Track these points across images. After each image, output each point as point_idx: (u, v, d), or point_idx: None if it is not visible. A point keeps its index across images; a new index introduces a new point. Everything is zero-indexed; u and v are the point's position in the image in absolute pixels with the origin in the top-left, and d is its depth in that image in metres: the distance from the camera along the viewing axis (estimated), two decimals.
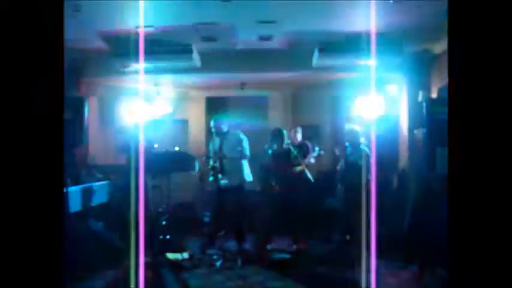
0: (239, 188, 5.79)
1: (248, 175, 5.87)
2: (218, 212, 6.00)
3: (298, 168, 5.89)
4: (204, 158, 6.05)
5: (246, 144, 5.83)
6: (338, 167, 6.05)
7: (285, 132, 6.07)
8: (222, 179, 5.76)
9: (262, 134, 8.25)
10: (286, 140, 5.97)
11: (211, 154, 5.91)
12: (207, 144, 6.00)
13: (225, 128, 5.87)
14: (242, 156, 5.78)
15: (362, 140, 5.75)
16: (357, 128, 5.89)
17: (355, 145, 5.73)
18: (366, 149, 5.56)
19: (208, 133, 6.08)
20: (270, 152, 5.92)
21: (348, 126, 5.96)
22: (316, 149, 6.24)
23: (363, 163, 5.35)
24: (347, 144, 5.80)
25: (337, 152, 6.12)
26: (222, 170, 5.76)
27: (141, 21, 4.96)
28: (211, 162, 5.81)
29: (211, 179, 5.83)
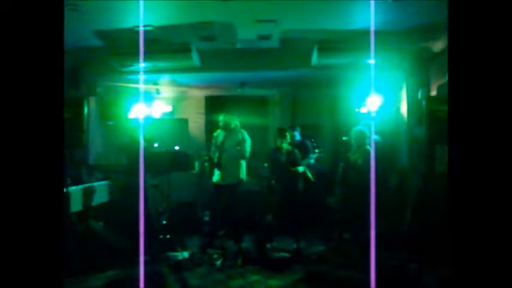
0: (236, 185, 5.79)
1: (244, 174, 5.88)
2: (217, 211, 6.00)
3: (301, 168, 5.88)
4: (204, 154, 6.04)
5: (247, 145, 5.83)
6: (340, 167, 6.00)
7: (289, 131, 6.07)
8: (219, 175, 5.77)
9: (262, 133, 8.29)
10: (288, 139, 5.96)
11: (213, 148, 5.92)
12: (211, 139, 6.03)
13: (232, 125, 5.86)
14: (241, 155, 5.78)
15: (366, 139, 5.71)
16: (361, 128, 5.85)
17: (360, 144, 5.66)
18: (369, 148, 5.54)
19: (212, 130, 6.09)
20: (278, 150, 5.88)
21: (354, 127, 5.90)
22: (316, 150, 6.22)
23: (366, 162, 5.32)
24: (353, 143, 5.75)
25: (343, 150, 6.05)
26: (219, 166, 5.75)
27: (141, 21, 4.97)
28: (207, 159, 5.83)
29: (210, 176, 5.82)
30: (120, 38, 5.68)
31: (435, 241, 4.43)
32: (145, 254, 5.44)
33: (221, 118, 5.91)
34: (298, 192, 5.90)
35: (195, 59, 6.30)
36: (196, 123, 8.66)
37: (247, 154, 5.81)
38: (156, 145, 6.44)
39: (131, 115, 6.52)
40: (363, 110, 6.66)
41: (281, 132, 5.94)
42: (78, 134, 4.91)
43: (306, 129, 7.31)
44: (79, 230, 5.28)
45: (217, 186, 5.80)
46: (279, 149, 5.86)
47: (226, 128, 5.82)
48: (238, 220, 5.87)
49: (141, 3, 4.45)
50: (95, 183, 6.14)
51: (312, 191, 6.24)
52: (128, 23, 5.27)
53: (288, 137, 5.95)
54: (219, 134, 5.91)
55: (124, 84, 7.38)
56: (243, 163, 5.84)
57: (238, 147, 5.75)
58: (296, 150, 5.93)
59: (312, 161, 6.17)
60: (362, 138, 5.65)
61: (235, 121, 5.90)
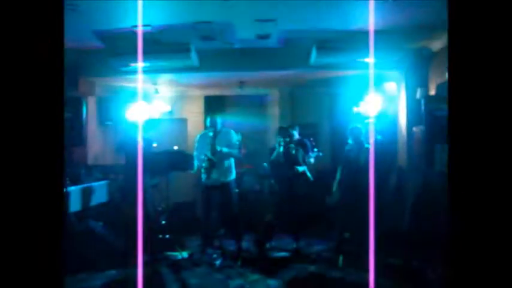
0: (229, 184, 5.75)
1: (234, 173, 5.85)
2: (215, 211, 5.98)
3: (301, 168, 5.86)
4: (203, 156, 6.01)
5: (239, 143, 5.81)
6: (341, 166, 5.97)
7: (289, 130, 6.05)
8: (214, 175, 5.71)
9: (261, 133, 8.30)
10: (288, 139, 5.94)
11: (202, 148, 5.82)
12: (198, 141, 5.92)
13: (219, 126, 5.79)
14: (235, 154, 5.75)
15: (362, 137, 5.70)
16: (360, 126, 5.83)
17: (359, 144, 5.65)
18: (369, 147, 5.53)
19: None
20: (279, 150, 5.84)
21: (352, 125, 5.89)
22: (315, 149, 6.21)
23: (366, 161, 5.31)
24: (350, 141, 5.73)
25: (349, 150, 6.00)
26: (214, 167, 5.69)
27: (140, 21, 4.96)
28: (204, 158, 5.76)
29: (203, 176, 5.76)
30: (119, 38, 5.68)
31: (435, 240, 4.43)
32: (145, 254, 5.47)
33: (209, 118, 5.88)
34: (298, 192, 5.89)
35: (195, 59, 6.30)
36: (195, 123, 8.65)
37: (241, 152, 5.81)
38: (155, 145, 6.43)
39: (130, 115, 6.51)
40: (363, 109, 6.66)
41: (281, 132, 5.93)
42: (78, 134, 4.91)
43: (305, 129, 7.30)
44: (79, 230, 5.27)
45: (210, 186, 5.77)
46: (281, 149, 5.84)
47: (215, 128, 5.77)
48: (238, 220, 5.85)
49: (141, 3, 4.44)
50: (94, 183, 6.13)
51: (312, 190, 6.24)
52: (127, 23, 5.26)
53: (288, 136, 5.94)
54: (207, 134, 5.84)
55: (124, 84, 7.38)
56: (233, 162, 5.82)
57: (232, 146, 5.74)
58: (295, 150, 5.92)
59: (312, 160, 6.16)
60: (359, 136, 5.64)
61: (221, 122, 5.83)
